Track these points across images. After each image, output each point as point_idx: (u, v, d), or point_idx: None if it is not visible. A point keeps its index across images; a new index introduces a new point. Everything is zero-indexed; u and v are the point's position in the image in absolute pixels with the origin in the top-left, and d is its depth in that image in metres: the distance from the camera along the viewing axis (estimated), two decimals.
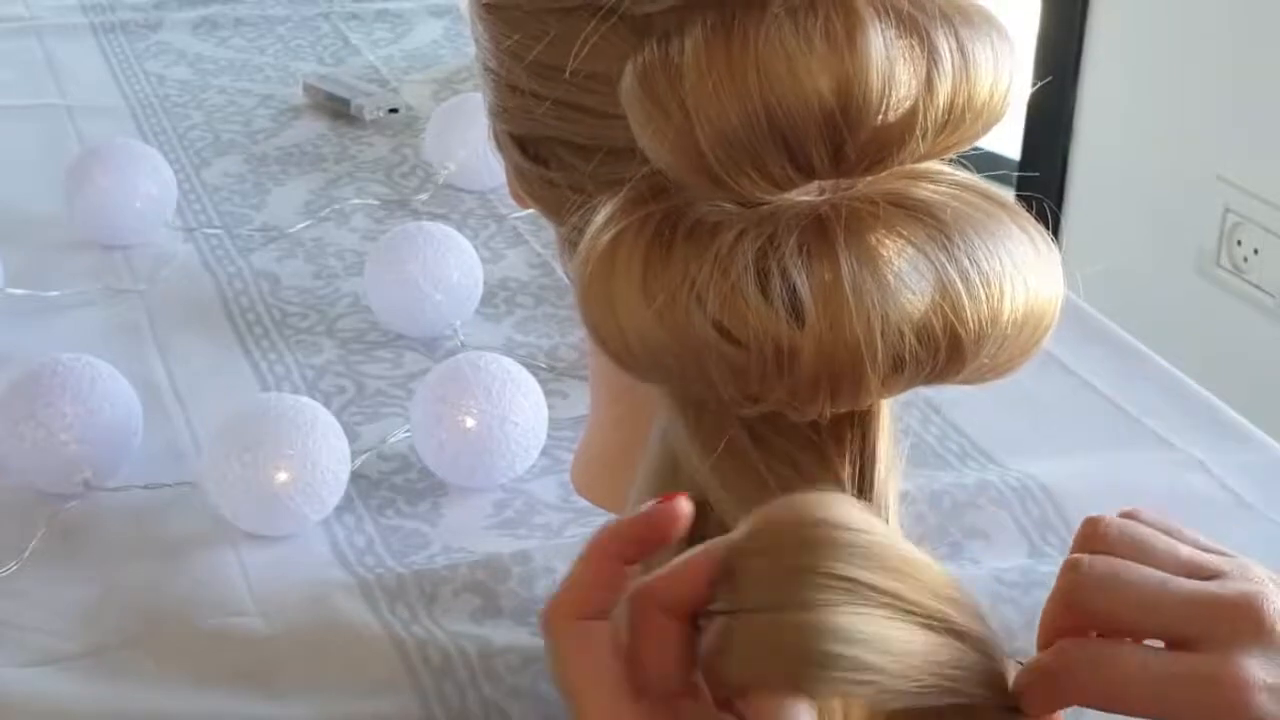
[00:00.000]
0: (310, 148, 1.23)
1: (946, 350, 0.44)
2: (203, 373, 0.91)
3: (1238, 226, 1.66)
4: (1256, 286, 1.66)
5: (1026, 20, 1.86)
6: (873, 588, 0.41)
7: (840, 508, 0.42)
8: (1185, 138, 1.73)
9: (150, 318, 0.97)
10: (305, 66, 1.38)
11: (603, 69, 0.48)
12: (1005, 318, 0.44)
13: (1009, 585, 0.73)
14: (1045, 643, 0.49)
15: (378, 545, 0.77)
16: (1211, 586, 0.48)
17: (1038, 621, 0.50)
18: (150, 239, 1.06)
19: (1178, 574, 0.48)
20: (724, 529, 0.44)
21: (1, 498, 0.79)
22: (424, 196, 1.14)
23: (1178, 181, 1.74)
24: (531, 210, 0.57)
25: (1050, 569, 0.72)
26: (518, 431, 0.79)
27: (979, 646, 0.44)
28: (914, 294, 0.43)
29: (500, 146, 0.56)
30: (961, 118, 0.45)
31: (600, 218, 0.46)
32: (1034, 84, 1.69)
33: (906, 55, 0.43)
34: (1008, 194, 0.47)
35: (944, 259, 0.43)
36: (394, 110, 1.28)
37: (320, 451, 0.75)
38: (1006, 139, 1.90)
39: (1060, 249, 0.47)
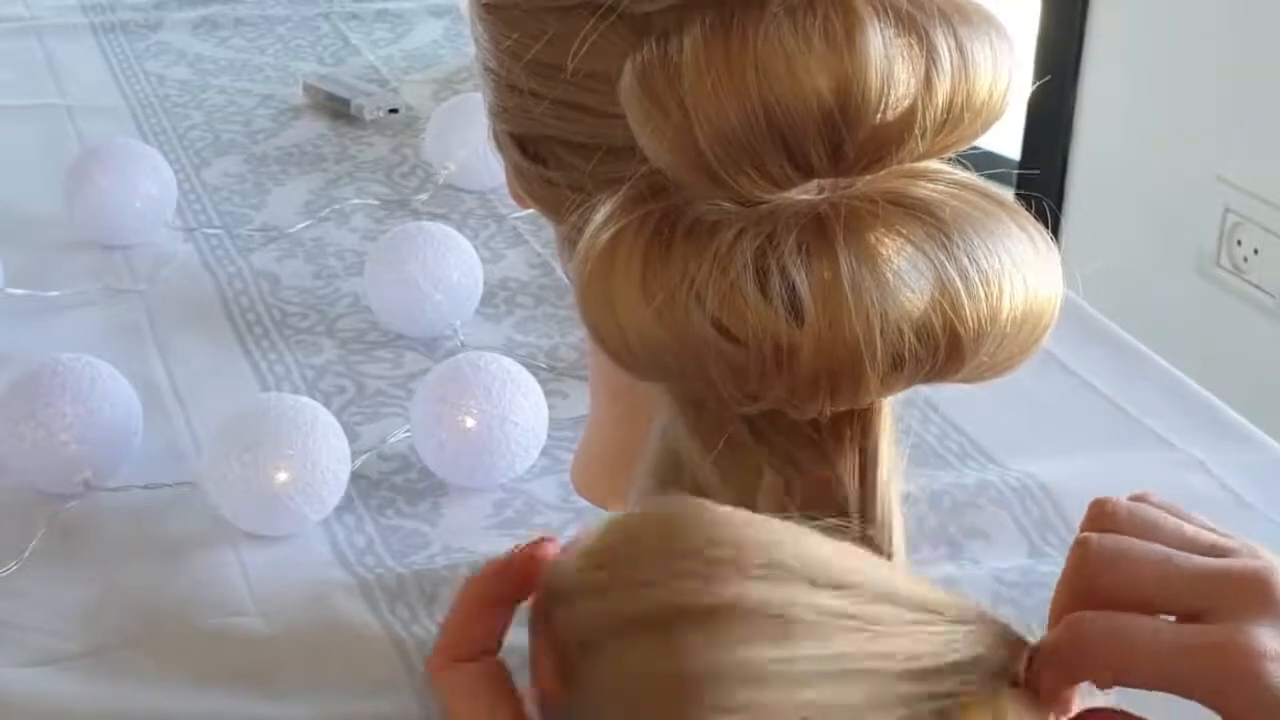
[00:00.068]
0: (310, 148, 1.23)
1: (946, 348, 0.44)
2: (203, 373, 0.91)
3: (1238, 226, 1.66)
4: (1256, 286, 1.66)
5: (1026, 20, 1.86)
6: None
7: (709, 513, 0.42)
8: (1185, 138, 1.73)
9: (150, 318, 0.97)
10: (305, 66, 1.38)
11: (602, 68, 0.47)
12: (1004, 316, 0.44)
13: (1009, 585, 0.73)
14: (1055, 623, 0.49)
15: (378, 545, 0.77)
16: (1220, 561, 0.47)
17: (1038, 622, 0.50)
18: (150, 239, 1.06)
19: (1185, 551, 0.48)
20: None
21: (1, 498, 0.79)
22: (424, 196, 1.14)
23: (1177, 181, 1.74)
24: (531, 210, 0.57)
25: (1050, 569, 0.73)
26: (518, 431, 0.79)
27: (985, 634, 0.44)
28: (913, 292, 0.43)
29: (500, 146, 0.56)
30: (960, 117, 0.45)
31: (599, 217, 0.45)
32: (1034, 83, 1.69)
33: (905, 54, 0.43)
34: (1007, 193, 0.47)
35: (943, 257, 0.43)
36: (394, 110, 1.28)
37: (320, 451, 0.75)
38: (1006, 138, 1.90)
39: (1060, 248, 0.47)
